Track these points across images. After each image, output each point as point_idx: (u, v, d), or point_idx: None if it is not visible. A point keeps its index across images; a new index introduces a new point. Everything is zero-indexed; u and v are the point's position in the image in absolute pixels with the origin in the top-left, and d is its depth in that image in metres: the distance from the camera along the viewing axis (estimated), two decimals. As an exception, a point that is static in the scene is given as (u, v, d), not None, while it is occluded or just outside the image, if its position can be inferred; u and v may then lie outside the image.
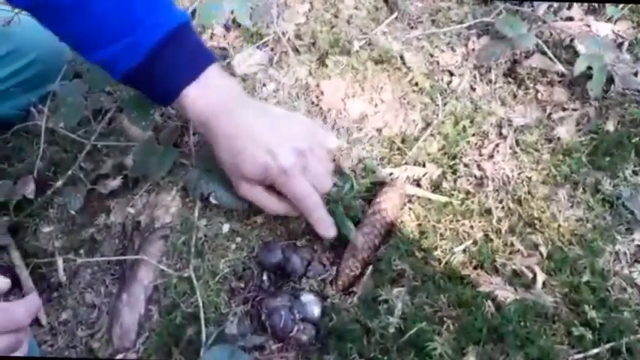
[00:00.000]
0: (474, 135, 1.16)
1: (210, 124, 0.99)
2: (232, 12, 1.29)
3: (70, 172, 1.18)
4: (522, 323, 0.95)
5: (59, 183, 1.18)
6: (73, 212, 1.17)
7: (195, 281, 1.03)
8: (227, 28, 1.37)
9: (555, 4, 1.30)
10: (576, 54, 1.22)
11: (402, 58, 1.26)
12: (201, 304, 1.01)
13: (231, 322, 1.00)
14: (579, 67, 1.16)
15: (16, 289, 1.15)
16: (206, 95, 0.99)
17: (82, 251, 1.16)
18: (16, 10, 1.21)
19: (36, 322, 1.11)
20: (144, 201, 1.17)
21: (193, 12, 1.28)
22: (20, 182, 1.21)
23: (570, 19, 1.29)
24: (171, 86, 0.98)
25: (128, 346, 1.04)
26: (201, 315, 1.00)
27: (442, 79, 1.24)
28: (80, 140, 1.23)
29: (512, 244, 1.03)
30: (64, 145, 1.29)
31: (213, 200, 1.08)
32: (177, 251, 1.08)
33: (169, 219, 1.12)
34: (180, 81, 0.98)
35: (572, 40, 1.23)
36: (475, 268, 1.02)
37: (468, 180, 1.11)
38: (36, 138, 1.32)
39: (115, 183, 1.18)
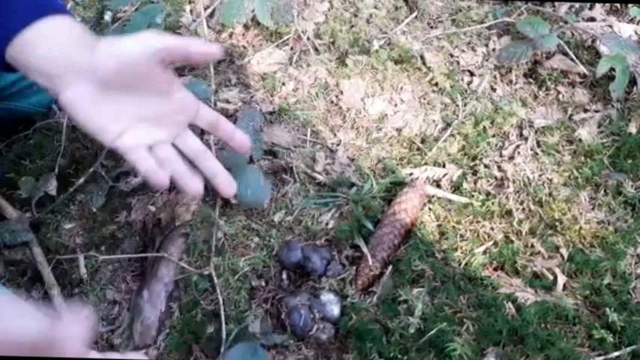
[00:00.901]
0: (494, 136, 1.16)
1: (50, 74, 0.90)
2: (253, 11, 1.29)
3: (91, 170, 1.19)
4: (543, 325, 0.95)
5: (81, 180, 1.19)
6: (94, 209, 1.18)
7: (215, 279, 1.04)
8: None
9: (577, 5, 1.29)
10: (598, 55, 1.21)
11: (422, 57, 1.26)
12: (221, 302, 1.01)
13: (253, 320, 1.01)
14: (602, 68, 1.15)
15: (38, 285, 1.17)
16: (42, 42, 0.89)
17: (103, 248, 1.17)
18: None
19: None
20: (164, 199, 1.18)
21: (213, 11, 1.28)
22: (42, 179, 1.23)
23: (592, 19, 1.28)
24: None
25: (149, 343, 1.05)
26: (222, 312, 1.00)
27: (462, 80, 1.24)
28: (101, 138, 1.24)
29: (532, 246, 1.03)
30: (85, 143, 1.30)
31: (233, 200, 1.09)
32: (198, 249, 1.09)
33: (190, 217, 1.13)
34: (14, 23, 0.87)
35: (594, 41, 1.23)
36: (495, 269, 1.02)
37: (489, 181, 1.11)
38: (57, 135, 1.33)
39: (136, 181, 1.19)
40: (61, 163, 1.25)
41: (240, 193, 1.07)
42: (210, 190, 1.13)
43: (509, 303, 0.97)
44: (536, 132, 1.15)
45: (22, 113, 1.34)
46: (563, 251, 1.01)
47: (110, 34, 1.18)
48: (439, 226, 1.08)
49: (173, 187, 1.18)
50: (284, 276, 1.08)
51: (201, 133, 1.24)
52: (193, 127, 1.02)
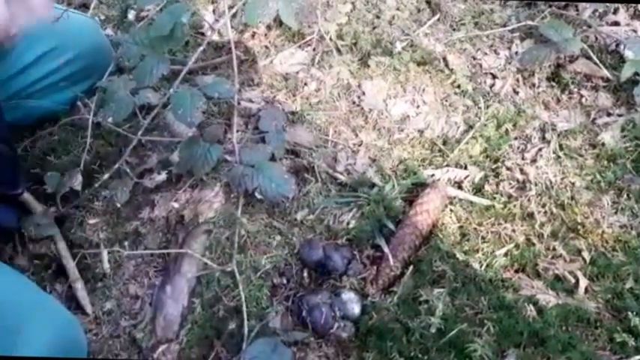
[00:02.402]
0: (516, 139, 1.16)
1: None
2: (277, 11, 1.30)
3: (116, 166, 1.20)
4: (564, 328, 0.95)
5: (105, 176, 1.20)
6: (118, 205, 1.19)
7: (237, 276, 1.05)
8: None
9: (601, 9, 1.29)
10: (622, 59, 1.21)
11: (444, 59, 1.26)
12: (243, 299, 1.03)
13: (274, 317, 1.02)
14: (626, 72, 1.15)
15: (62, 278, 1.18)
16: None
17: (126, 243, 1.19)
18: (65, 7, 1.23)
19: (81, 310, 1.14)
20: (187, 196, 1.19)
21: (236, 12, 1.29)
22: (67, 174, 1.24)
23: (616, 23, 1.28)
24: None
25: (171, 337, 1.06)
26: (244, 309, 1.02)
27: (485, 82, 1.25)
28: (125, 134, 1.25)
29: (554, 249, 1.03)
30: (110, 139, 1.32)
31: (258, 195, 1.10)
32: (220, 246, 1.10)
33: (212, 214, 1.14)
34: None
35: (617, 45, 1.23)
36: (517, 271, 1.03)
37: (511, 184, 1.11)
38: (81, 131, 1.35)
39: (160, 178, 1.21)
40: (86, 160, 1.27)
41: (264, 187, 1.08)
42: (234, 189, 1.14)
43: (531, 305, 0.98)
44: (558, 135, 1.15)
45: (45, 110, 1.36)
46: (585, 254, 1.01)
47: (134, 33, 1.20)
48: (460, 227, 1.08)
49: (196, 184, 1.20)
50: (305, 274, 1.09)
51: (224, 132, 1.26)
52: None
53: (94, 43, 1.37)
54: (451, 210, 1.10)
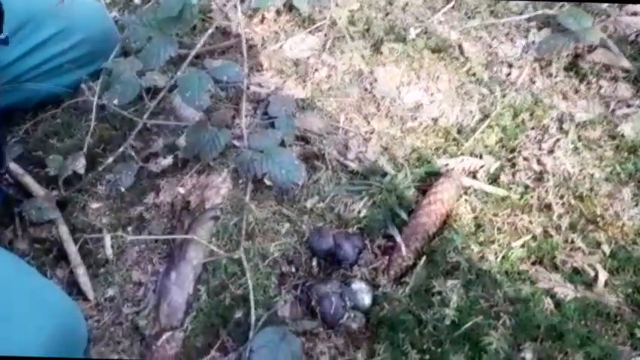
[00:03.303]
0: (533, 128, 1.13)
1: None
2: (289, -5, 1.28)
3: (120, 150, 1.17)
4: (583, 322, 0.93)
5: (110, 160, 1.17)
6: (122, 189, 1.16)
7: (245, 263, 1.02)
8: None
9: (620, -2, 1.26)
10: (642, 50, 1.18)
11: (459, 47, 1.23)
12: (251, 287, 0.99)
13: (283, 305, 0.99)
14: (646, 63, 1.12)
15: (63, 263, 1.15)
16: None
17: (130, 229, 1.15)
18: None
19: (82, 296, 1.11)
20: (194, 181, 1.16)
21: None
22: (71, 157, 1.21)
23: (635, 14, 1.25)
24: None
25: (175, 325, 1.03)
26: (251, 297, 0.98)
27: (501, 71, 1.22)
28: (130, 118, 1.22)
29: (572, 241, 1.00)
30: (114, 123, 1.29)
31: (267, 181, 1.07)
32: (228, 233, 1.07)
33: (220, 200, 1.11)
34: None
35: (637, 36, 1.20)
36: (533, 263, 1.00)
37: (527, 174, 1.08)
38: (85, 114, 1.32)
39: (165, 162, 1.17)
40: (90, 143, 1.23)
41: (274, 173, 1.05)
42: (242, 175, 1.11)
43: (548, 298, 0.95)
44: (577, 126, 1.12)
45: (48, 94, 1.33)
46: (605, 247, 0.98)
47: (142, 14, 1.16)
48: (475, 218, 1.05)
49: (203, 169, 1.17)
50: (314, 263, 1.06)
51: (232, 117, 1.23)
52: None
53: (101, 27, 1.34)
54: (466, 200, 1.07)
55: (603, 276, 0.96)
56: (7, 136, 1.30)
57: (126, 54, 1.33)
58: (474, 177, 1.10)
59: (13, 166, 1.23)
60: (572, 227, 1.01)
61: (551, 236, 1.01)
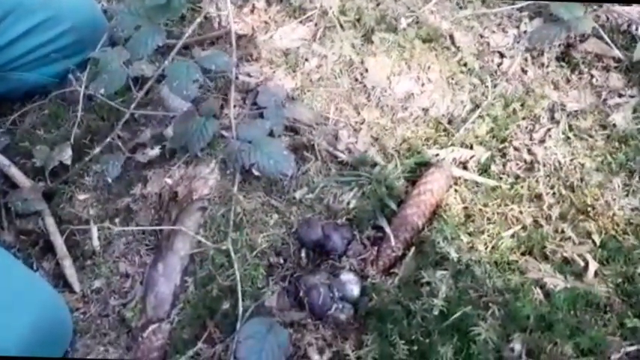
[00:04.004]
0: (524, 118, 1.12)
1: None
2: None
3: (107, 140, 1.15)
4: (572, 312, 0.92)
5: (96, 150, 1.16)
6: (109, 180, 1.15)
7: (232, 254, 1.01)
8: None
9: (613, -12, 1.25)
10: (634, 39, 1.17)
11: (451, 37, 1.22)
12: (238, 278, 0.98)
13: (270, 296, 0.98)
14: (638, 53, 1.11)
15: (49, 255, 1.14)
16: None
17: (117, 220, 1.14)
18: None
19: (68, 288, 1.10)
20: (181, 172, 1.15)
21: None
22: (57, 148, 1.20)
23: (628, 3, 1.24)
24: None
25: (162, 317, 1.02)
26: (239, 288, 0.97)
27: (492, 61, 1.21)
28: (118, 108, 1.21)
29: (563, 231, 0.99)
30: (101, 113, 1.27)
31: (255, 171, 1.05)
32: (215, 224, 1.06)
33: (207, 191, 1.10)
34: None
35: (629, 25, 1.19)
36: (523, 254, 0.99)
37: (518, 164, 1.07)
38: (72, 105, 1.31)
39: (153, 153, 1.16)
40: (77, 134, 1.22)
41: (262, 163, 1.04)
42: (230, 165, 1.10)
43: (538, 288, 0.94)
44: (568, 116, 1.11)
45: (35, 84, 1.32)
46: (595, 237, 0.98)
47: (129, 3, 1.15)
48: (465, 208, 1.05)
49: (191, 160, 1.16)
50: (303, 254, 1.04)
51: (220, 108, 1.22)
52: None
53: (88, 16, 1.33)
54: (456, 190, 1.06)
55: (593, 266, 0.95)
56: (-7, 128, 1.29)
57: (114, 44, 1.31)
58: (465, 167, 1.09)
59: (-1, 158, 1.22)
60: (563, 217, 1.01)
61: (541, 226, 1.00)
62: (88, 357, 1.03)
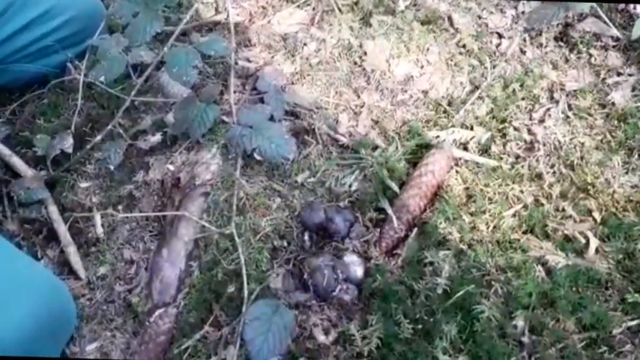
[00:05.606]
0: (523, 99, 1.13)
1: None
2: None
3: (108, 127, 1.16)
4: (574, 289, 0.93)
5: (98, 138, 1.16)
6: (111, 168, 1.15)
7: (236, 238, 1.02)
8: None
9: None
10: (632, 18, 1.18)
11: (449, 19, 1.22)
12: (243, 261, 0.99)
13: (275, 278, 0.99)
14: (636, 31, 1.12)
15: (53, 243, 1.14)
16: None
17: (120, 207, 1.14)
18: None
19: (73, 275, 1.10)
20: (183, 158, 1.15)
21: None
22: (58, 137, 1.20)
23: (625, -18, 1.24)
24: None
25: (168, 301, 1.03)
26: (243, 272, 0.98)
27: (491, 42, 1.21)
28: (117, 96, 1.21)
29: (563, 210, 1.00)
30: (101, 101, 1.27)
31: (257, 156, 1.06)
32: (219, 208, 1.07)
33: (210, 176, 1.10)
34: None
35: (627, 4, 1.19)
36: (525, 232, 1.00)
37: (518, 144, 1.08)
38: (72, 94, 1.30)
39: (154, 139, 1.16)
40: (77, 122, 1.22)
41: (264, 148, 1.04)
42: (232, 150, 1.10)
43: (540, 266, 0.95)
44: (567, 95, 1.12)
45: (35, 74, 1.31)
46: (596, 215, 0.99)
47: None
48: (467, 189, 1.05)
49: (192, 146, 1.16)
50: (306, 237, 1.05)
51: (220, 94, 1.22)
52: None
53: (87, 6, 1.32)
54: (457, 171, 1.07)
55: (594, 243, 0.96)
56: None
57: (112, 31, 1.31)
58: (465, 148, 1.10)
59: (0, 147, 1.22)
60: (563, 196, 1.01)
61: (542, 205, 1.01)
62: (91, 346, 1.03)
